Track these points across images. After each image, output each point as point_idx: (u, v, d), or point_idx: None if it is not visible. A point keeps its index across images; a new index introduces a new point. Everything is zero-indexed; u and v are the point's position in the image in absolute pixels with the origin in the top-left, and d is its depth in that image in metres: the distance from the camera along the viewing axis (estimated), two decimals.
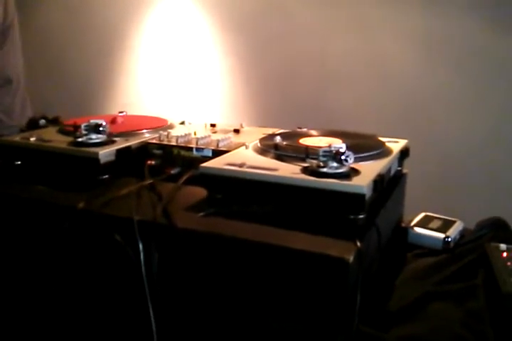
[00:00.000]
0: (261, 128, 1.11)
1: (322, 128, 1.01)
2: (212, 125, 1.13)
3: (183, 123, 1.16)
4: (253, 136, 1.02)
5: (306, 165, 0.78)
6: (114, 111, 1.29)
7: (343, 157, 0.72)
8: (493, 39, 1.79)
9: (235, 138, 1.00)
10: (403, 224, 1.00)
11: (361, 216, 0.70)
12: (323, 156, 0.75)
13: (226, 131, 1.07)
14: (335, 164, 0.74)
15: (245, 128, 1.11)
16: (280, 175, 0.74)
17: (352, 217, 0.70)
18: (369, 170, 0.75)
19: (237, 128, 1.10)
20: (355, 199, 0.69)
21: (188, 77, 2.46)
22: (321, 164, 0.75)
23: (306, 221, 0.72)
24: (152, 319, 0.72)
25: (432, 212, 1.05)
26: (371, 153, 0.83)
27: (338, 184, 0.70)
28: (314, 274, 0.65)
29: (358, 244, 0.65)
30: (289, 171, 0.76)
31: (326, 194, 0.71)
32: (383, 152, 0.86)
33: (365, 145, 0.86)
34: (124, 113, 1.21)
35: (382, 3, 1.95)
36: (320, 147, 0.77)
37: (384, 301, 0.78)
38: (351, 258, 0.62)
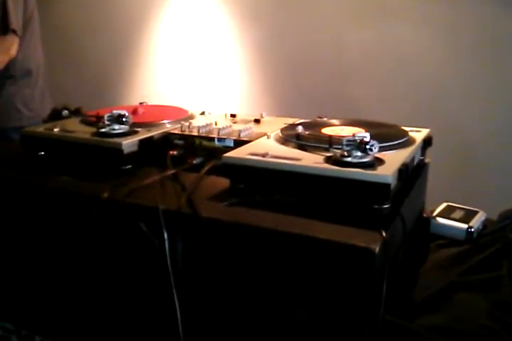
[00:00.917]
0: (281, 118, 1.11)
1: (343, 117, 1.01)
2: (233, 115, 1.12)
3: (203, 113, 1.16)
4: (274, 125, 1.02)
5: (329, 154, 0.77)
6: (132, 102, 1.30)
7: (367, 146, 0.72)
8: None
9: (256, 128, 1.00)
10: (425, 214, 1.00)
11: (386, 205, 0.70)
12: (347, 146, 0.74)
13: (247, 121, 1.07)
14: (359, 153, 0.73)
15: (265, 118, 1.11)
16: (304, 165, 0.74)
17: (376, 206, 0.70)
18: (393, 160, 0.74)
19: (257, 118, 1.09)
20: (380, 188, 0.69)
21: (204, 68, 2.46)
22: (345, 153, 0.74)
23: (329, 211, 0.72)
24: (177, 307, 0.73)
25: (453, 202, 1.04)
26: (395, 143, 0.82)
27: (363, 173, 0.70)
28: (340, 264, 0.65)
29: (384, 233, 0.65)
30: (313, 161, 0.75)
31: (350, 183, 0.71)
32: (407, 141, 0.86)
33: (389, 135, 0.86)
34: (145, 103, 1.21)
35: None
36: (343, 136, 0.76)
37: (408, 291, 0.78)
38: (377, 248, 0.62)
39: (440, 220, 0.96)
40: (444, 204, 1.03)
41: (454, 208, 1.01)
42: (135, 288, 0.83)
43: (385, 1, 1.95)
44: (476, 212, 0.99)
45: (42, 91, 1.95)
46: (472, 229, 0.92)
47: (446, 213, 0.98)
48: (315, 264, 0.66)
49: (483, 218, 0.98)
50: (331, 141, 0.79)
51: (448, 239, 0.94)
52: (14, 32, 1.71)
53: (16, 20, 1.71)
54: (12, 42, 1.72)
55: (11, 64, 1.77)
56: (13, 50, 1.72)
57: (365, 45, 2.03)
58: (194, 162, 0.92)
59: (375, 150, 0.72)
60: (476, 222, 0.95)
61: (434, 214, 0.98)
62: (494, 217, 1.01)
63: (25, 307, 0.98)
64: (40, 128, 0.99)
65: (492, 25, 1.78)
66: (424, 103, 1.94)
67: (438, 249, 0.93)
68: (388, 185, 0.68)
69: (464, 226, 0.93)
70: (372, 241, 0.63)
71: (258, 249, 0.70)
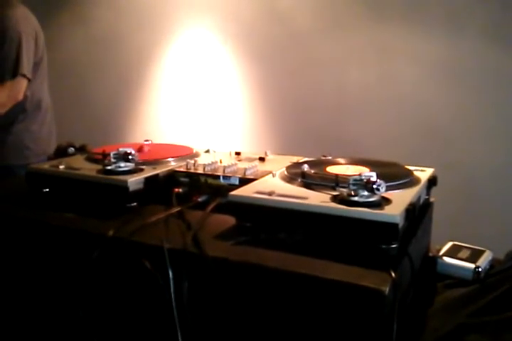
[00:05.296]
0: (285, 156, 1.12)
1: (347, 156, 1.02)
2: (237, 153, 1.13)
3: (207, 151, 1.17)
4: (278, 164, 1.03)
5: (335, 193, 0.77)
6: (135, 140, 1.31)
7: (375, 186, 0.72)
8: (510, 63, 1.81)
9: (260, 166, 1.01)
10: (431, 254, 0.99)
11: (394, 245, 0.69)
12: (354, 185, 0.74)
13: (251, 159, 1.08)
14: (366, 193, 0.73)
15: (270, 157, 1.12)
16: (311, 204, 0.74)
17: (384, 246, 0.69)
18: (400, 199, 0.74)
19: (261, 156, 1.10)
20: (388, 228, 0.68)
21: (208, 106, 2.50)
22: (352, 193, 0.74)
23: (337, 250, 0.72)
24: None
25: (457, 241, 1.03)
26: (400, 182, 0.83)
27: (371, 213, 0.70)
28: (348, 305, 0.63)
29: (393, 274, 0.64)
30: (319, 200, 0.75)
31: (357, 223, 0.70)
32: (412, 181, 0.86)
33: (394, 174, 0.86)
34: (150, 141, 1.22)
35: (400, 34, 1.98)
36: (350, 175, 0.77)
37: (417, 333, 0.76)
38: (387, 290, 0.61)
39: (447, 260, 0.95)
40: (450, 244, 1.02)
41: (461, 247, 1.00)
42: (140, 328, 0.81)
43: (386, 41, 2.00)
44: (482, 251, 0.98)
45: (49, 129, 1.98)
46: (480, 269, 0.91)
47: (452, 252, 0.97)
48: (323, 305, 0.65)
49: (490, 257, 0.97)
50: (338, 180, 0.79)
51: (455, 278, 0.93)
52: (24, 76, 1.75)
53: (27, 65, 1.76)
54: (21, 86, 1.76)
55: (23, 100, 1.80)
56: (21, 95, 1.76)
57: (367, 84, 2.07)
58: (199, 200, 0.92)
59: (382, 189, 0.72)
60: (483, 262, 0.94)
61: (441, 253, 0.97)
62: (500, 255, 1.01)
63: None
64: (46, 165, 1.00)
65: (491, 64, 1.82)
66: (426, 142, 1.96)
67: (445, 289, 0.91)
68: (396, 225, 0.68)
69: (472, 265, 0.92)
70: (382, 282, 0.62)
71: (265, 288, 0.69)
